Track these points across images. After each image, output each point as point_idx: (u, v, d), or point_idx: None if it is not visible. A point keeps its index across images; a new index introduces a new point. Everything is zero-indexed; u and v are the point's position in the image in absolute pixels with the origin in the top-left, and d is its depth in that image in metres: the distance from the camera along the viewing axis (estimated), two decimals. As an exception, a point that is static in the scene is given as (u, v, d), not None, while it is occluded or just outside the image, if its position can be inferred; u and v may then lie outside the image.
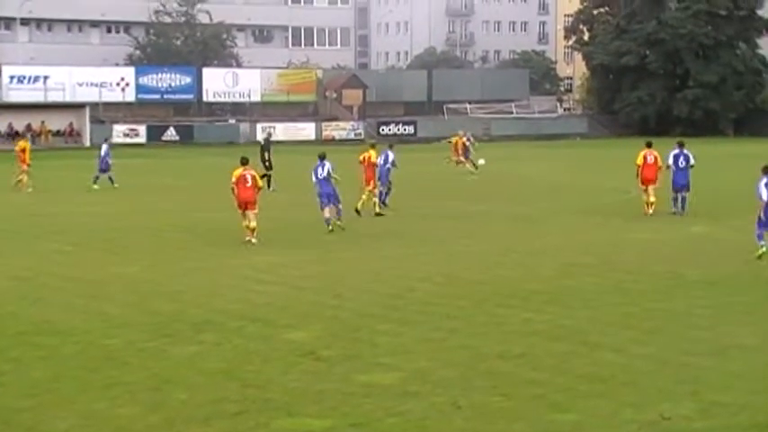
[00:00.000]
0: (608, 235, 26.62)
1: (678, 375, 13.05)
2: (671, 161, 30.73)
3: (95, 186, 39.82)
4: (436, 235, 26.89)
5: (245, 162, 25.83)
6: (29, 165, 40.62)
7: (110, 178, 40.28)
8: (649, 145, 31.09)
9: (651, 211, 30.06)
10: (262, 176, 36.98)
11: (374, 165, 31.56)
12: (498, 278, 20.20)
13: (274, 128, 73.42)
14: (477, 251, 23.94)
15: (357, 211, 30.32)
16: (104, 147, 41.47)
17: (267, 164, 39.20)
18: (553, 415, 11.62)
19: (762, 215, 22.06)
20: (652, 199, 30.27)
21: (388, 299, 18.12)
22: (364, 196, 31.14)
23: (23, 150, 40.81)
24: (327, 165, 27.37)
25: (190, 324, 16.13)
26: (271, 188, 38.01)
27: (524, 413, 11.70)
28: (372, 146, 33.45)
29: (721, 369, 13.34)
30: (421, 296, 18.39)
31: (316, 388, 12.67)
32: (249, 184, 25.34)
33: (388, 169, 32.93)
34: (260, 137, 55.85)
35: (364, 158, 31.50)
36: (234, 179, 25.39)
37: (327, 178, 27.28)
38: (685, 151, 30.72)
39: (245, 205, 25.33)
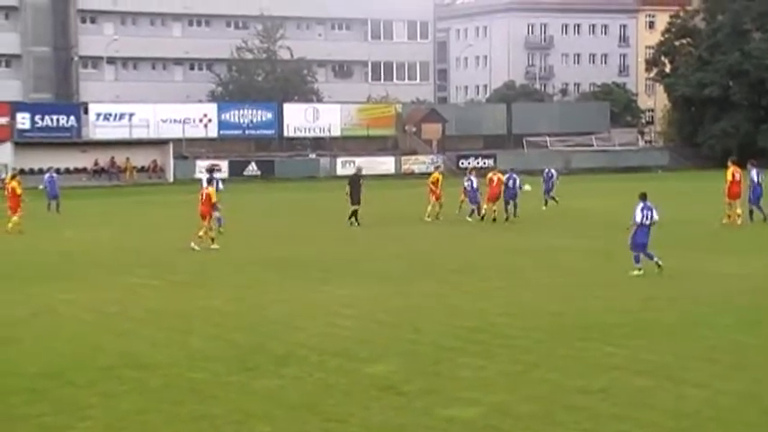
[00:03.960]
0: (689, 267, 26.25)
1: (765, 411, 12.82)
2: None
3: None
4: (510, 268, 26.76)
5: (208, 181, 33.17)
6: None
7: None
8: (734, 162, 35.46)
9: (740, 221, 34.57)
10: (352, 213, 37.47)
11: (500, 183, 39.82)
12: (578, 310, 20.05)
13: (354, 162, 73.68)
14: (557, 284, 23.79)
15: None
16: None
17: (355, 198, 38.93)
18: (636, 450, 11.49)
19: (636, 238, 24.78)
20: (738, 211, 34.85)
21: (466, 332, 18.08)
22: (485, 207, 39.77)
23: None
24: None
25: (271, 357, 16.26)
26: (356, 223, 38.39)
27: (607, 448, 11.58)
28: (501, 171, 42.05)
29: (809, 405, 13.09)
30: (500, 329, 18.32)
31: (396, 422, 12.68)
32: (203, 200, 31.59)
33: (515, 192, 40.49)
34: (349, 171, 55.38)
35: (490, 179, 39.76)
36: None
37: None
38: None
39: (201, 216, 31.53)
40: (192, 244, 31.30)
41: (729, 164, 37.51)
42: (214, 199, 31.97)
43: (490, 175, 40.89)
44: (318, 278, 25.36)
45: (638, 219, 24.97)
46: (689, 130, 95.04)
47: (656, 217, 25.20)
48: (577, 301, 21.35)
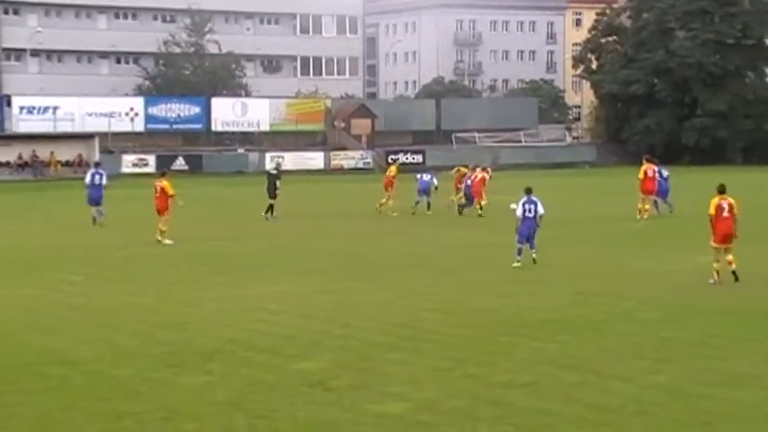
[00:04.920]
0: (616, 264, 26.53)
1: (690, 406, 12.96)
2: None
3: None
4: (441, 264, 26.82)
5: (162, 174, 33.62)
6: None
7: None
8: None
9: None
10: (269, 207, 37.76)
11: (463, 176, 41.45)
12: (507, 307, 20.13)
13: (283, 157, 73.48)
14: (487, 280, 23.87)
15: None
16: None
17: (270, 193, 39.57)
18: (563, 445, 11.55)
19: (520, 230, 25.77)
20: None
21: (395, 328, 18.07)
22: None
23: None
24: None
25: (198, 354, 16.10)
26: (273, 215, 38.87)
27: (534, 443, 11.62)
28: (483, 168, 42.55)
29: (734, 399, 13.25)
30: (429, 325, 18.33)
31: (324, 418, 12.61)
32: (158, 194, 31.57)
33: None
34: (269, 166, 55.82)
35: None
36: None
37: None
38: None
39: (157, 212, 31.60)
40: (160, 238, 31.34)
41: (644, 161, 39.60)
42: (171, 191, 31.93)
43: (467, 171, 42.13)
44: (247, 274, 25.20)
45: (519, 213, 26.12)
46: (615, 127, 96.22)
47: (541, 211, 26.11)
48: (506, 297, 21.43)
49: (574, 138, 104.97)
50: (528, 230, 25.98)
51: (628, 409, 12.81)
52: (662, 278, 23.90)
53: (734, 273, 22.60)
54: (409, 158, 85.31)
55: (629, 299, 20.93)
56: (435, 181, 42.03)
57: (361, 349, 16.35)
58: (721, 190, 23.32)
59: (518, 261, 25.81)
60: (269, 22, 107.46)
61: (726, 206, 22.87)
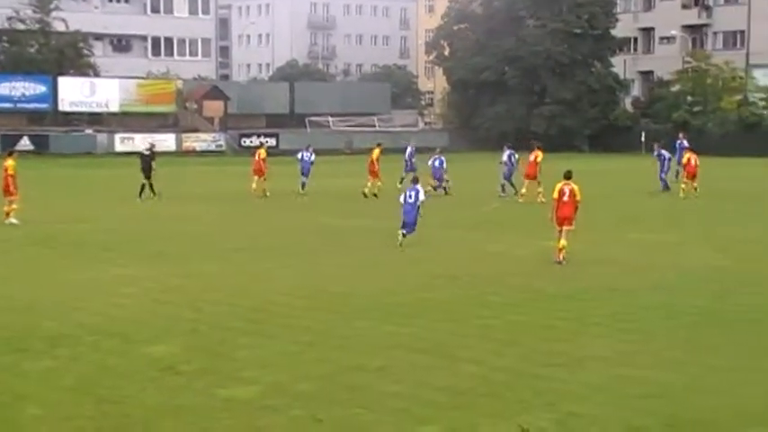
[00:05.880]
0: (469, 248, 26.95)
1: (536, 387, 13.27)
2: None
3: None
4: (301, 249, 26.80)
5: (9, 154, 33.37)
6: None
7: None
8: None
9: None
10: (143, 186, 37.84)
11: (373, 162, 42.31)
12: (362, 291, 20.23)
13: (133, 138, 72.21)
14: (342, 264, 23.95)
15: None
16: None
17: (148, 173, 40.02)
18: (414, 427, 11.68)
19: (404, 218, 26.83)
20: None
21: (248, 312, 17.99)
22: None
23: None
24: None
25: (44, 338, 15.73)
26: (153, 195, 39.44)
27: (386, 426, 11.73)
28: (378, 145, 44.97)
29: (577, 380, 13.63)
30: (282, 309, 18.31)
31: (174, 403, 12.48)
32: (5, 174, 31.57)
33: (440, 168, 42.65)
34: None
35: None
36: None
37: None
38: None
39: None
40: (12, 220, 31.20)
41: (535, 147, 41.53)
42: (11, 171, 31.93)
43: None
44: (96, 257, 24.71)
45: (402, 198, 27.37)
46: (467, 113, 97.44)
47: (421, 197, 27.13)
48: (361, 281, 21.55)
49: (426, 123, 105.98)
50: (407, 216, 26.87)
51: (476, 391, 13.05)
52: (511, 262, 24.38)
53: (558, 262, 23.72)
54: (263, 141, 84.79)
55: (480, 283, 21.27)
56: (313, 158, 43.74)
57: (212, 334, 16.23)
58: (567, 176, 24.57)
59: (400, 243, 26.56)
60: (118, 1, 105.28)
61: (567, 191, 24.19)
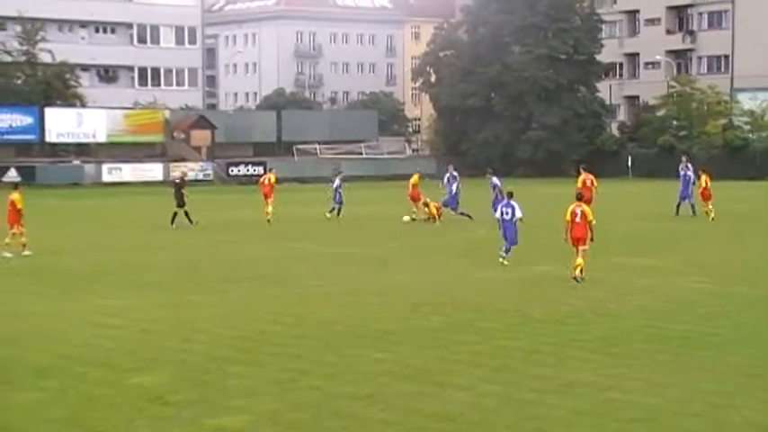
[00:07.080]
0: (457, 274, 26.98)
1: (525, 412, 13.29)
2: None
3: None
4: (288, 276, 26.79)
5: (14, 187, 32.71)
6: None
7: None
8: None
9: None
10: (174, 214, 40.35)
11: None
12: (349, 318, 20.24)
13: (121, 168, 72.18)
14: (329, 292, 23.96)
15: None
16: None
17: (181, 201, 41.12)
18: (403, 454, 11.68)
19: (503, 234, 27.88)
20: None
21: (237, 341, 17.97)
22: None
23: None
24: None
25: (31, 370, 15.68)
26: (192, 223, 40.36)
27: (375, 453, 11.72)
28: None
29: (565, 406, 13.64)
30: (270, 338, 18.30)
31: (163, 433, 12.46)
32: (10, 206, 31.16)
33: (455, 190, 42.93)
34: (113, 178, 55.15)
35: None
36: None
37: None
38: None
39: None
40: (5, 253, 30.76)
41: (581, 171, 43.93)
42: (20, 205, 31.42)
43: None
44: (83, 288, 24.68)
45: (498, 215, 28.65)
46: (454, 139, 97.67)
47: (518, 214, 28.06)
48: (349, 308, 21.55)
49: (414, 150, 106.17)
50: (506, 231, 28.04)
51: (466, 418, 13.05)
52: (499, 288, 24.41)
53: (575, 278, 24.69)
54: (251, 170, 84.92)
55: (469, 309, 21.29)
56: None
57: (200, 363, 16.21)
58: (579, 198, 25.94)
59: (503, 258, 27.81)
60: (105, 31, 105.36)
61: (579, 212, 25.03)
